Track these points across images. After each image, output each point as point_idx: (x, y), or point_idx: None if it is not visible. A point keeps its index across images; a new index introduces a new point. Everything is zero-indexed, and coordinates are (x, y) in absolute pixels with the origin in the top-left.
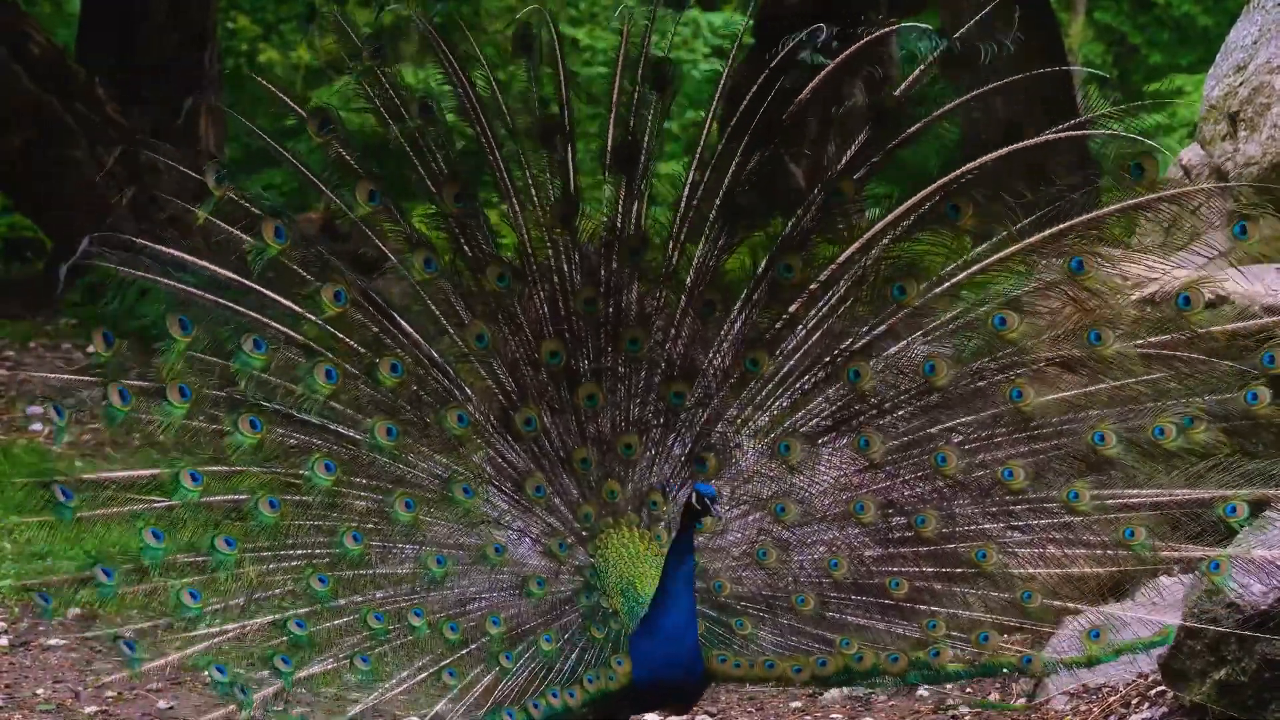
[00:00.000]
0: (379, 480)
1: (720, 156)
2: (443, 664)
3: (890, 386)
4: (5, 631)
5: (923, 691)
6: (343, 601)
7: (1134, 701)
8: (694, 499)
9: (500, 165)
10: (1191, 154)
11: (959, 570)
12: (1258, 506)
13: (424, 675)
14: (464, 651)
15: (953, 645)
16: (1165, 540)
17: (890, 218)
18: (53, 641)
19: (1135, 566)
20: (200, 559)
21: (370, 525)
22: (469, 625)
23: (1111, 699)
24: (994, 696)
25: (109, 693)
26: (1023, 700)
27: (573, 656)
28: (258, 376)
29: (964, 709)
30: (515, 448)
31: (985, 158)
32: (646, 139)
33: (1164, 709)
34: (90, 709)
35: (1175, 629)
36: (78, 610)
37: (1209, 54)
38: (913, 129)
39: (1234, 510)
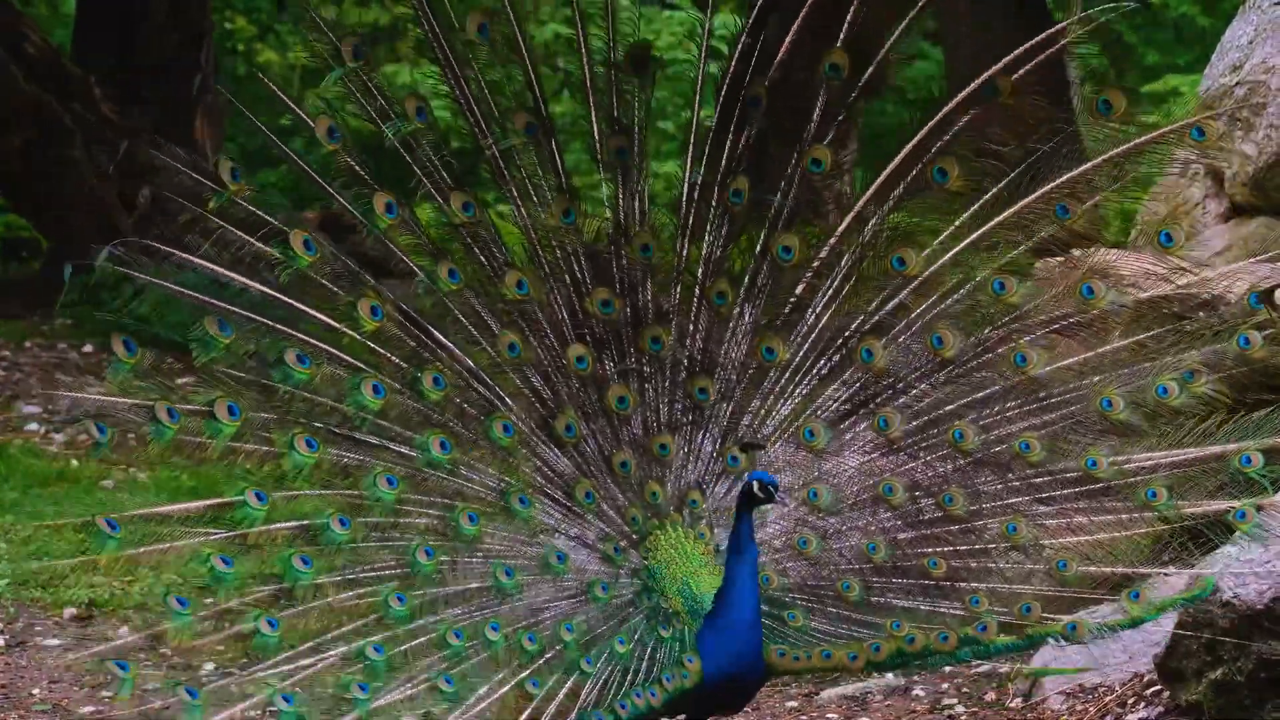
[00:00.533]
0: (439, 496)
1: (713, 143)
2: (522, 675)
3: (902, 364)
4: (2, 631)
5: (918, 691)
6: (421, 621)
7: (1130, 701)
8: (755, 487)
9: (499, 166)
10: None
11: (992, 546)
12: (1272, 454)
13: (505, 689)
14: (541, 661)
15: (998, 619)
16: (1188, 499)
17: (877, 184)
18: (49, 642)
19: (1162, 527)
20: (272, 588)
21: (437, 541)
22: (544, 635)
23: (1108, 699)
24: (990, 697)
25: (104, 693)
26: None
27: (646, 657)
28: (303, 394)
29: (959, 708)
30: (560, 455)
31: (950, 104)
32: (636, 129)
33: (1160, 708)
34: (86, 709)
35: (1214, 578)
36: (74, 610)
37: (1205, 54)
38: (867, 74)
39: (1249, 460)
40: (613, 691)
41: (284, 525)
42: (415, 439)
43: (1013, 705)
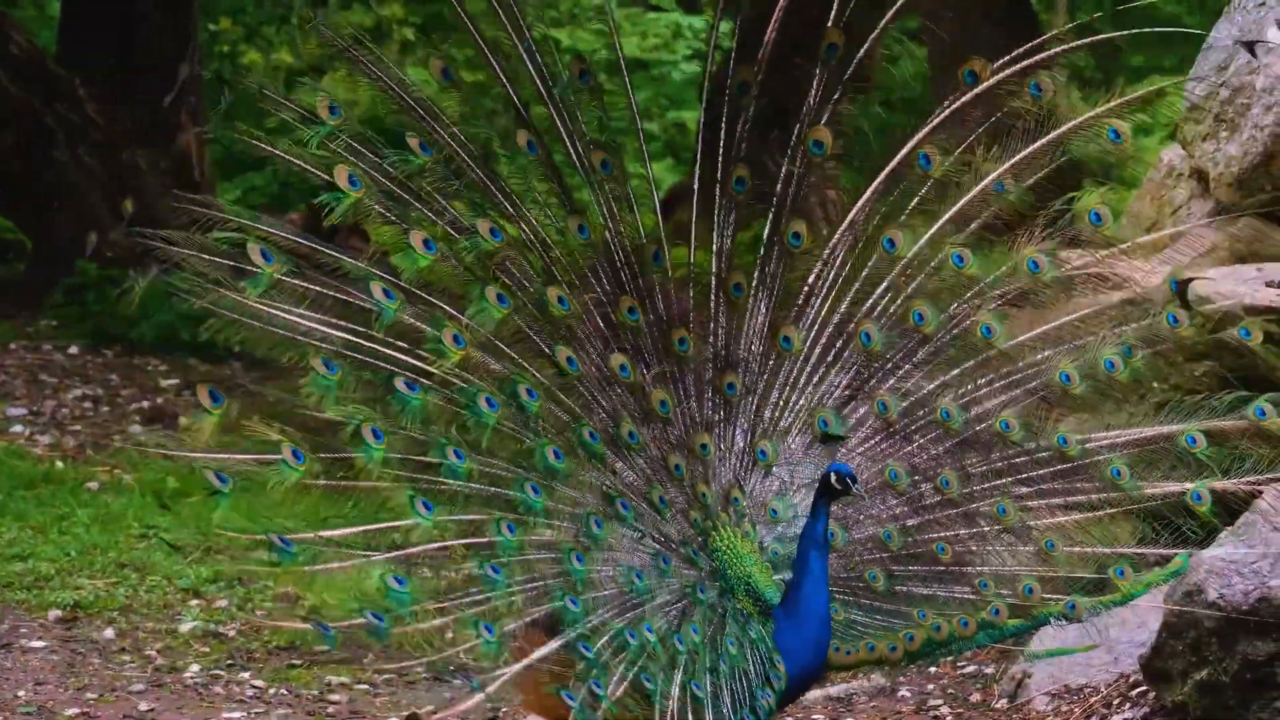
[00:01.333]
0: (567, 504)
1: (708, 135)
2: (681, 677)
3: (891, 345)
4: None
5: (904, 692)
6: (595, 619)
7: (1115, 702)
8: (833, 479)
9: (493, 190)
10: (1172, 154)
11: (987, 528)
12: (1213, 437)
13: (676, 689)
14: (685, 660)
15: (1006, 602)
16: (1147, 479)
17: (880, 178)
18: (34, 644)
19: (1129, 507)
20: (474, 597)
21: (579, 548)
22: (685, 636)
23: (1093, 699)
24: (976, 698)
25: (89, 694)
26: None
27: (750, 658)
28: (421, 415)
29: (945, 709)
30: (632, 461)
31: (945, 110)
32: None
33: (1145, 709)
34: (71, 711)
35: (1188, 556)
36: (59, 612)
37: (1191, 55)
38: (861, 51)
39: (1194, 441)
40: (741, 693)
41: (452, 541)
42: (533, 449)
43: (998, 706)
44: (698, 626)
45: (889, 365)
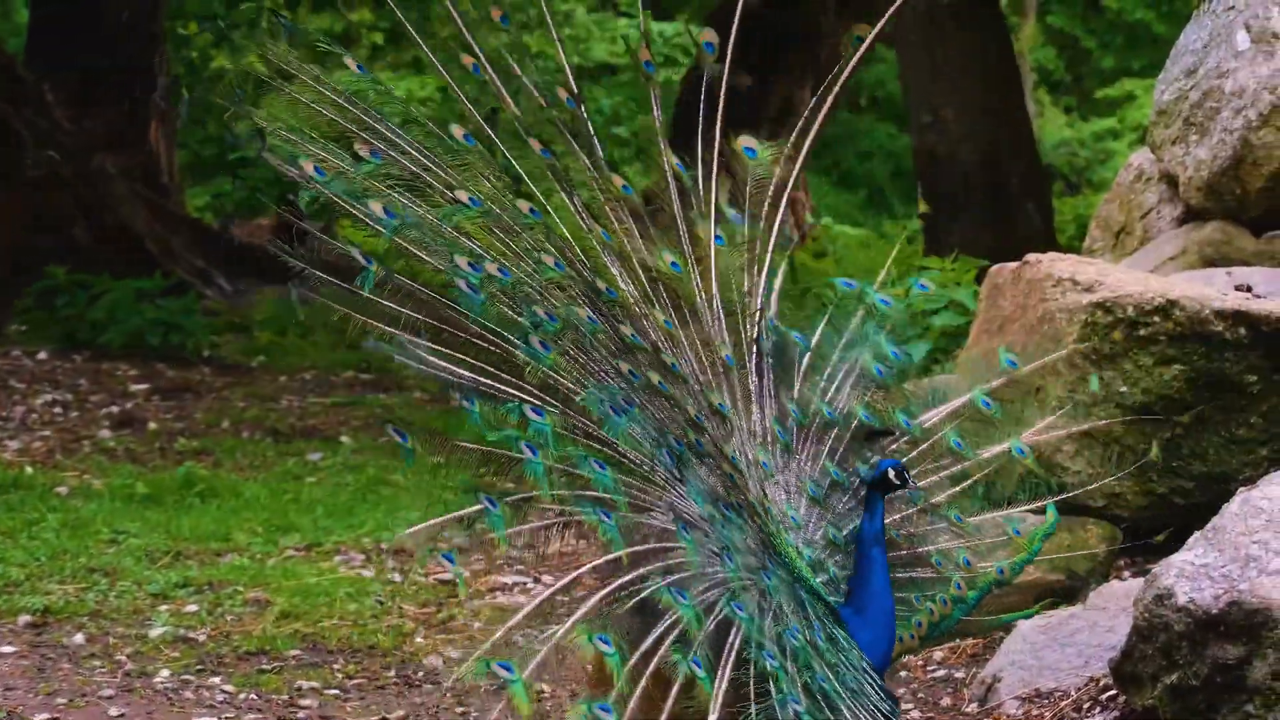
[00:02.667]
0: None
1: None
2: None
3: (769, 345)
4: None
5: None
6: (755, 634)
7: (1085, 706)
8: (891, 474)
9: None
10: (1142, 158)
11: (907, 510)
12: (995, 394)
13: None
14: (823, 667)
15: (958, 574)
16: (979, 445)
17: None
18: (4, 649)
19: (983, 474)
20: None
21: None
22: (815, 639)
23: (1063, 703)
24: (946, 702)
25: (60, 700)
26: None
27: (855, 653)
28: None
29: (915, 713)
30: (706, 466)
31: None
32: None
33: (1115, 713)
34: (41, 716)
35: (1053, 505)
36: (29, 617)
37: (1160, 58)
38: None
39: (987, 404)
40: (870, 691)
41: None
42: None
43: (968, 710)
44: (818, 622)
45: (764, 359)
